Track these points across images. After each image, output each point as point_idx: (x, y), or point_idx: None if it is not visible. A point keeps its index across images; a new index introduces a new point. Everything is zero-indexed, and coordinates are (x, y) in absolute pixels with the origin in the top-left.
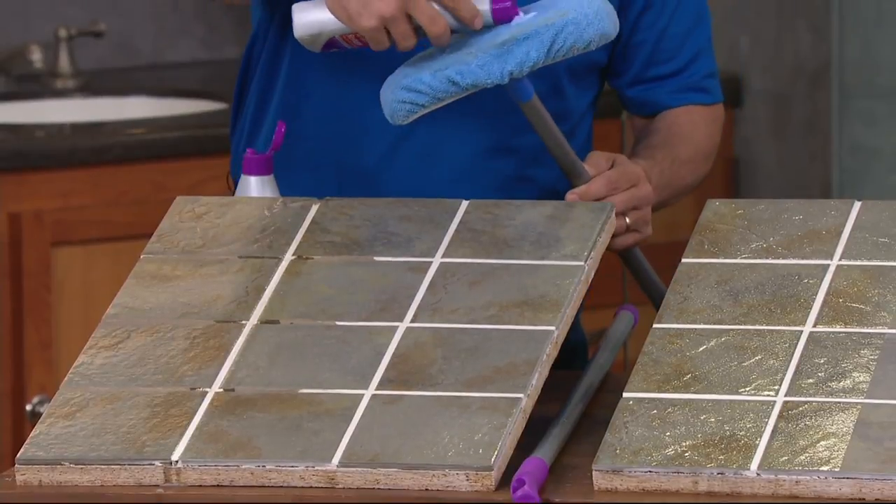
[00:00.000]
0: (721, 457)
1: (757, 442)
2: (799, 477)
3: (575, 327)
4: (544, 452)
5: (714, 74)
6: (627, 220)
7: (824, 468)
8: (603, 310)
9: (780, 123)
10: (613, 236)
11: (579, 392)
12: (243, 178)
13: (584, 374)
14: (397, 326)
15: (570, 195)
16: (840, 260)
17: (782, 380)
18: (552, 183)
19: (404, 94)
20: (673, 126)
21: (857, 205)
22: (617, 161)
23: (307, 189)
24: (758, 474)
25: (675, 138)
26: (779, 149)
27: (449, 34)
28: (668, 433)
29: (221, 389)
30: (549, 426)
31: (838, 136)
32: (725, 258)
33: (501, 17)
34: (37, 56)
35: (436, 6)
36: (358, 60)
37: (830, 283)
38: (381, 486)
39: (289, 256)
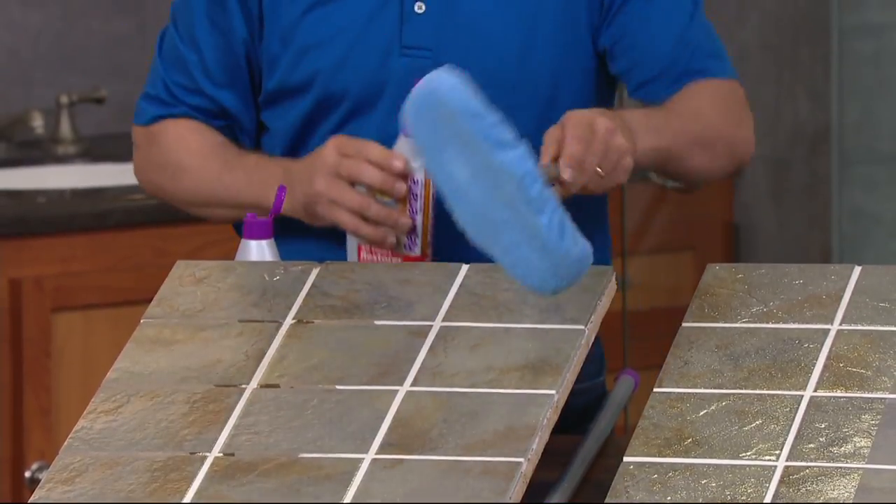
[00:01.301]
0: None
1: None
2: None
3: (599, 387)
4: None
5: (714, 54)
6: (600, 170)
7: None
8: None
9: (779, 189)
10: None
11: (580, 457)
12: (243, 242)
13: (584, 439)
14: (398, 390)
15: (547, 162)
16: (840, 324)
17: (783, 444)
18: None
19: (582, 265)
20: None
21: (858, 269)
22: (567, 118)
23: (312, 250)
24: None
25: (669, 102)
26: (778, 214)
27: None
28: (668, 498)
29: (221, 454)
30: (550, 491)
31: (838, 202)
32: (726, 322)
33: None
34: (38, 122)
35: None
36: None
37: (831, 348)
38: None
39: (289, 320)
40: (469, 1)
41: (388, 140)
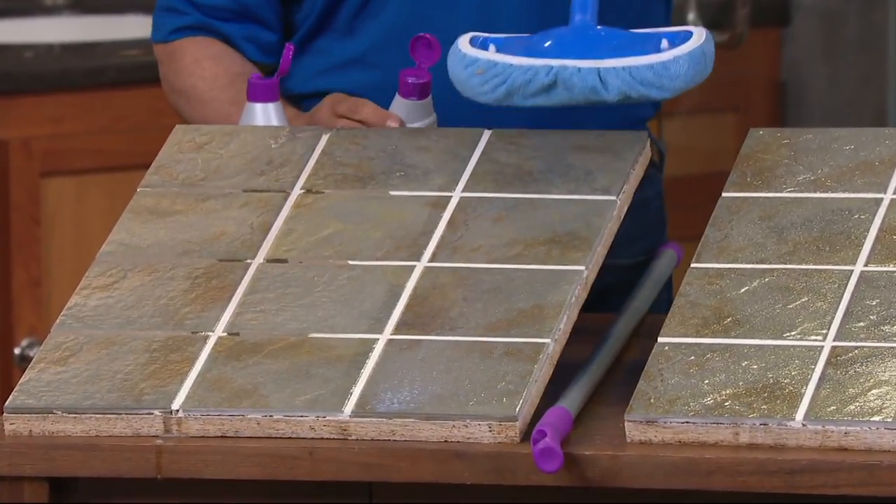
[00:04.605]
0: (764, 406)
1: (803, 390)
2: (848, 428)
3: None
4: (569, 402)
5: None
6: None
7: (876, 418)
8: None
9: (831, 43)
10: None
11: (612, 337)
12: (248, 105)
13: (618, 317)
14: (414, 266)
15: None
16: (894, 193)
17: (831, 323)
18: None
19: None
20: None
21: None
22: None
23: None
24: (804, 425)
25: None
26: (830, 71)
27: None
28: (706, 381)
29: (225, 333)
30: (577, 374)
31: (894, 57)
32: (770, 192)
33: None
34: None
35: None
36: None
37: (884, 219)
38: (398, 438)
39: (297, 190)
40: None
41: (404, 25)
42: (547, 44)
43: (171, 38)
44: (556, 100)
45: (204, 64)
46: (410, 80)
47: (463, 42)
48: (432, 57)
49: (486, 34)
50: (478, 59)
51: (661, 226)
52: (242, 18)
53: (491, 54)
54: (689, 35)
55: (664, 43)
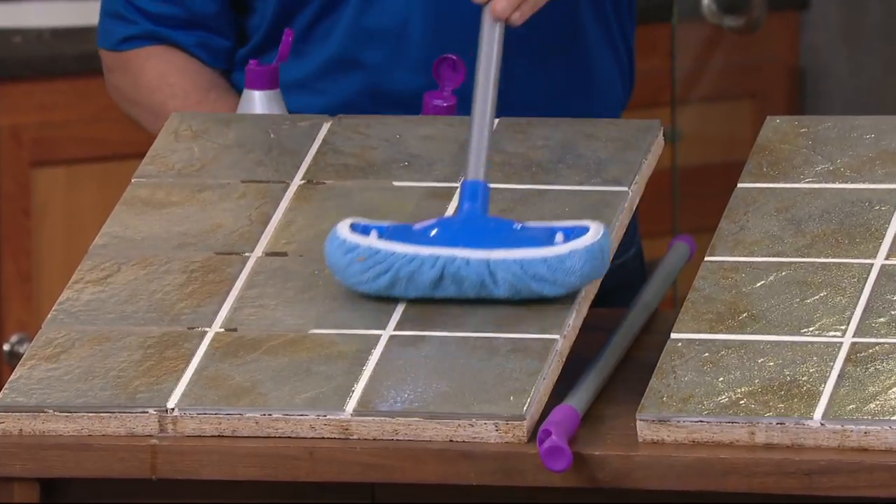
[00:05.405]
0: (781, 405)
1: (821, 388)
2: (868, 427)
3: (631, 263)
4: (577, 400)
5: None
6: None
7: None
8: (648, 240)
9: (852, 28)
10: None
11: (621, 333)
12: (246, 92)
13: (628, 313)
14: None
15: None
16: None
17: (850, 319)
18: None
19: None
20: None
21: None
22: None
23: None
24: (822, 424)
25: None
26: (850, 57)
27: None
28: (721, 378)
29: (222, 329)
30: (584, 371)
31: None
32: (787, 182)
33: None
34: None
35: None
36: None
37: None
38: (401, 438)
39: (297, 181)
40: None
41: (358, 33)
42: (433, 233)
43: (123, 48)
44: (443, 293)
45: (171, 80)
46: (436, 102)
47: (342, 227)
48: (456, 79)
49: (367, 221)
50: (358, 245)
51: (630, 228)
52: (193, 26)
53: (372, 240)
54: (585, 230)
55: (559, 237)
